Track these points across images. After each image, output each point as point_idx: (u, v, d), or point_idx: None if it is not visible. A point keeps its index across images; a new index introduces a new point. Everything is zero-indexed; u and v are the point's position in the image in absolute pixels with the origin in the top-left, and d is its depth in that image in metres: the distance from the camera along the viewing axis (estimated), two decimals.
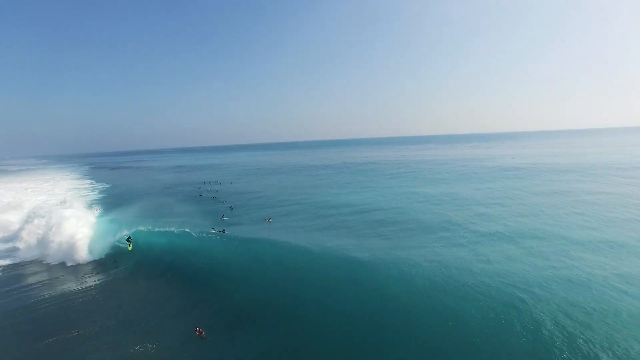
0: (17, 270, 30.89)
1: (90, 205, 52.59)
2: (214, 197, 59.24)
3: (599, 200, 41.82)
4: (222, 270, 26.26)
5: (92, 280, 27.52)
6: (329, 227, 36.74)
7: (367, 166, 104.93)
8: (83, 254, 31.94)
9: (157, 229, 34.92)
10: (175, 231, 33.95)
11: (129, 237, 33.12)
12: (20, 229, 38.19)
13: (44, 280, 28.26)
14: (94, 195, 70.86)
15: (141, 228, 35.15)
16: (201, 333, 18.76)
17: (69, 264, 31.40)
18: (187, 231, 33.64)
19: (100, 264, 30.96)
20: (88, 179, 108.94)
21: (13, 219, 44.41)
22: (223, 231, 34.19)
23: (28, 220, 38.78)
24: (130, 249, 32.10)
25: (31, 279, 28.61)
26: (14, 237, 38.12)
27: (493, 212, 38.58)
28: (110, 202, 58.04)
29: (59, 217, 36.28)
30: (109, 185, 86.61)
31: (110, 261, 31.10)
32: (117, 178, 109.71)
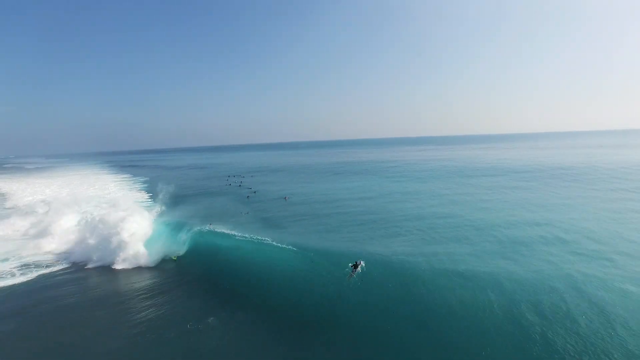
0: (77, 273, 33.91)
1: (145, 201, 66.02)
2: (239, 185, 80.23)
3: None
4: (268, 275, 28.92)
5: (144, 283, 30.19)
6: (330, 208, 56.24)
7: (369, 165, 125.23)
8: (142, 259, 34.60)
9: (210, 230, 39.11)
10: (225, 233, 37.84)
11: (177, 256, 35.66)
12: (80, 230, 41.12)
13: (109, 283, 30.86)
14: (138, 187, 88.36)
15: (197, 228, 39.58)
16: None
17: (125, 268, 34.15)
18: (235, 235, 37.13)
19: (154, 268, 33.89)
20: (125, 174, 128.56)
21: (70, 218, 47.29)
22: None
23: (88, 222, 41.67)
24: (175, 259, 35.03)
25: (95, 282, 31.34)
26: (72, 237, 41.17)
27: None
28: (156, 200, 67.92)
29: (120, 221, 38.53)
30: (147, 178, 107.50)
31: (165, 265, 34.13)
32: (146, 174, 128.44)
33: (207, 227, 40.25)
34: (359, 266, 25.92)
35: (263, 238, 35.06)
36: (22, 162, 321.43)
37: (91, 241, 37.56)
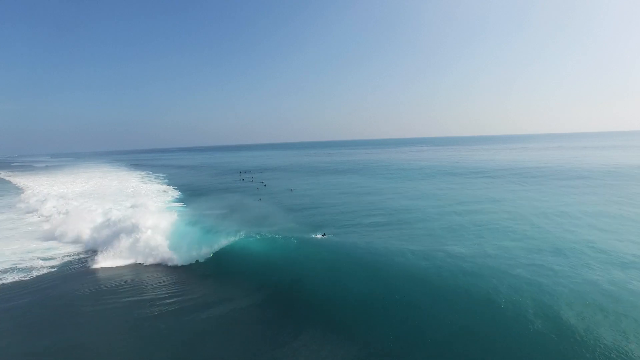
0: (112, 271, 32.85)
1: (170, 195, 71.72)
2: (252, 180, 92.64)
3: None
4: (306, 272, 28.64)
5: (174, 282, 29.26)
6: (331, 195, 69.01)
7: (368, 164, 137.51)
8: (166, 254, 33.73)
9: (237, 235, 37.74)
10: (256, 236, 37.39)
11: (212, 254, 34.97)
12: (111, 229, 39.79)
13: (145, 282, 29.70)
14: (160, 183, 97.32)
15: (223, 231, 38.72)
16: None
17: (154, 265, 33.28)
18: (268, 236, 37.22)
19: (185, 267, 32.75)
20: (142, 171, 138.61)
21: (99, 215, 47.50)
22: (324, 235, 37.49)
23: (116, 221, 40.95)
24: (211, 255, 34.14)
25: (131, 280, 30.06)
26: (100, 236, 39.76)
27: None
28: (181, 191, 77.30)
29: (148, 219, 38.48)
30: (165, 174, 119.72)
31: (196, 264, 33.06)
32: (163, 171, 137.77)
33: (229, 221, 42.13)
34: (326, 235, 37.24)
35: (275, 229, 39.51)
36: (29, 160, 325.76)
37: (118, 236, 37.40)
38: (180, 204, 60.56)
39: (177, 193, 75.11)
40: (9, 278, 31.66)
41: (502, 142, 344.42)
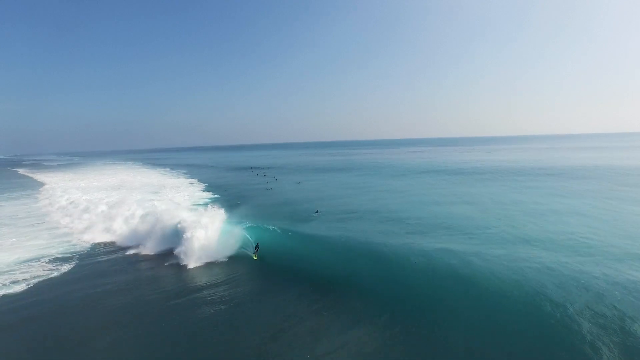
0: (145, 266, 32.62)
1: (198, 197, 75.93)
2: (264, 175, 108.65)
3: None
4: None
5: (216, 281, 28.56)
6: (330, 188, 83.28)
7: (367, 163, 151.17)
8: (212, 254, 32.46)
9: (271, 227, 38.42)
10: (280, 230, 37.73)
11: (257, 245, 33.11)
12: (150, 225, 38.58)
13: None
14: (184, 178, 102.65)
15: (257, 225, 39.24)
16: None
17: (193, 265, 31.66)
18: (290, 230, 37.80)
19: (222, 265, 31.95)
20: (161, 169, 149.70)
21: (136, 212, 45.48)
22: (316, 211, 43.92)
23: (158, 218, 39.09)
24: (255, 257, 32.17)
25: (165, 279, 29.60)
26: (141, 232, 38.80)
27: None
28: (205, 183, 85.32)
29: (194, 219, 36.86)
30: (185, 171, 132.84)
31: (232, 262, 32.34)
32: (180, 169, 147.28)
33: (246, 208, 44.67)
34: (318, 212, 45.64)
35: (285, 212, 47.65)
36: (37, 159, 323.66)
37: (159, 233, 36.75)
38: (210, 194, 72.69)
39: (203, 185, 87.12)
40: (40, 267, 32.65)
41: (502, 142, 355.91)
